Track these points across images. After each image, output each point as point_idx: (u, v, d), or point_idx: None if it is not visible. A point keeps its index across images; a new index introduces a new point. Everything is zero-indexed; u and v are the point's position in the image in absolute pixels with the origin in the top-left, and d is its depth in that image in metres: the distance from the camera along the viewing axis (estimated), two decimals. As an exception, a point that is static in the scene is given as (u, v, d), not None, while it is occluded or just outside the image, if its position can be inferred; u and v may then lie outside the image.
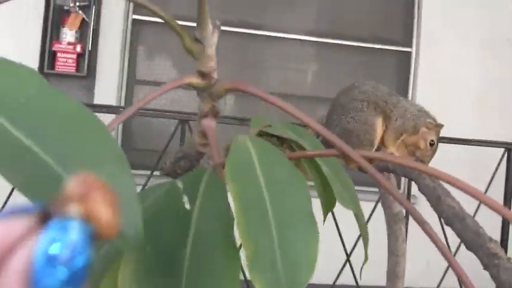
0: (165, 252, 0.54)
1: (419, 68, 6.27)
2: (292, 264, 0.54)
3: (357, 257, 3.48)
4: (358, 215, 0.83)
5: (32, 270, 0.26)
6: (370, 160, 1.89)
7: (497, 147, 3.65)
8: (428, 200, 1.28)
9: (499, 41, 6.49)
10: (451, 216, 1.12)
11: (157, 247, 0.54)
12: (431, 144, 1.87)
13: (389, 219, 1.99)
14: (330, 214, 0.92)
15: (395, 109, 1.88)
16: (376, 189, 2.20)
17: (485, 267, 0.96)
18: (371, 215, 3.10)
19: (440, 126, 1.89)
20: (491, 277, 0.89)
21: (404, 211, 2.00)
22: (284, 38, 6.17)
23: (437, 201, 1.23)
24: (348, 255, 3.43)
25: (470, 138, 3.97)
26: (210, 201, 0.57)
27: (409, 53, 6.33)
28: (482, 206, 0.60)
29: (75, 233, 0.27)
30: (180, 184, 0.58)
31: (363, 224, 0.85)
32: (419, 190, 1.41)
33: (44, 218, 0.28)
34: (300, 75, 6.43)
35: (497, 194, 3.56)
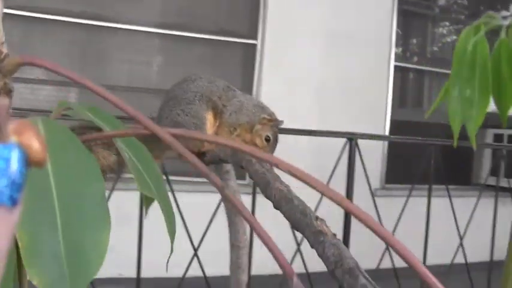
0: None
1: (265, 61, 6.34)
2: (78, 255, 0.49)
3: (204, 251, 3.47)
4: (164, 205, 0.79)
5: None
6: (203, 153, 1.86)
7: (340, 137, 3.74)
8: (258, 185, 1.26)
9: (342, 37, 6.67)
10: (279, 199, 1.11)
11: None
12: (267, 140, 1.86)
13: (229, 211, 1.97)
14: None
15: (229, 104, 1.86)
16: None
17: (312, 246, 0.94)
18: (218, 206, 3.09)
19: (276, 121, 1.88)
20: (318, 255, 0.88)
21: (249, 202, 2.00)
22: (129, 30, 6.04)
23: (267, 186, 1.20)
24: (196, 249, 3.41)
25: (314, 129, 4.05)
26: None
27: (255, 45, 6.38)
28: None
29: (14, 154, 0.35)
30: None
31: (169, 214, 0.82)
32: (250, 177, 1.39)
33: None
34: (145, 67, 6.33)
35: (340, 182, 3.66)
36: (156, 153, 1.89)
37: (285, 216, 1.08)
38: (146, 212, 0.89)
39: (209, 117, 1.85)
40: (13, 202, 0.34)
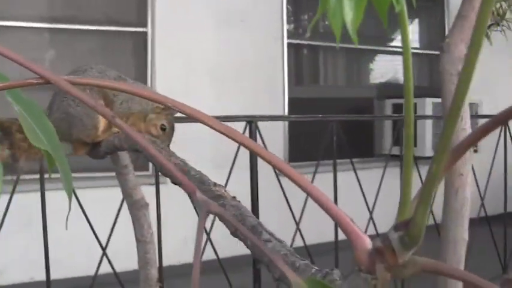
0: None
1: (157, 48, 6.23)
2: None
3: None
4: (58, 160, 0.79)
5: None
6: (97, 143, 1.76)
7: (239, 121, 3.71)
8: (155, 165, 1.30)
9: (234, 18, 6.61)
10: None
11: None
12: (163, 129, 1.81)
13: (131, 207, 1.93)
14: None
15: (120, 93, 1.79)
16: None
17: None
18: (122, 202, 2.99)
19: (170, 109, 1.81)
20: (218, 218, 0.85)
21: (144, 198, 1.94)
22: (16, 26, 5.77)
23: (162, 165, 1.16)
24: (104, 248, 3.31)
25: (212, 114, 3.99)
26: None
27: (145, 33, 6.22)
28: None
29: None
30: None
31: (65, 171, 0.80)
32: (147, 159, 1.44)
33: None
34: (36, 64, 6.08)
35: (245, 166, 3.61)
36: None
37: (183, 189, 1.01)
38: (50, 175, 0.83)
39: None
40: None
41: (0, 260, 5.15)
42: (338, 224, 0.47)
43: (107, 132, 1.79)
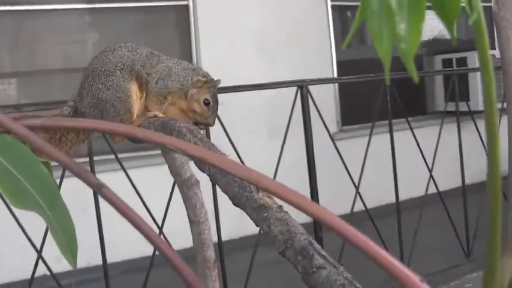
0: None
1: (200, 21, 6.12)
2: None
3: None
4: (60, 222, 0.58)
5: None
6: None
7: (290, 86, 3.66)
8: (192, 158, 1.12)
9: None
10: (215, 173, 1.00)
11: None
12: (206, 104, 1.73)
13: (181, 186, 1.81)
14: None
15: (154, 71, 1.72)
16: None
17: (257, 224, 0.81)
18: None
19: (212, 81, 1.73)
20: (264, 233, 0.75)
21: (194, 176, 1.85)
22: (56, 9, 5.76)
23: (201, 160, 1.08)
24: (160, 228, 3.29)
25: (262, 82, 3.94)
26: None
27: (187, 6, 6.14)
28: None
29: None
30: None
31: (68, 231, 0.59)
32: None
33: None
34: (79, 46, 6.08)
35: (296, 131, 3.55)
36: (81, 136, 1.74)
37: (222, 190, 0.95)
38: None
39: (134, 88, 1.68)
40: None
41: (56, 247, 5.14)
42: (386, 269, 0.39)
43: (142, 116, 1.70)
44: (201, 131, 1.44)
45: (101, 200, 2.85)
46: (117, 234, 3.66)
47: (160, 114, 1.69)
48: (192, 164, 1.82)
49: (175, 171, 1.81)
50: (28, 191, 0.56)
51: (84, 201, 3.30)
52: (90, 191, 2.83)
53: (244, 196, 0.89)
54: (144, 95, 1.71)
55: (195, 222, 1.84)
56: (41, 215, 0.55)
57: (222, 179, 0.98)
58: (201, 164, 1.01)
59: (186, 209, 1.81)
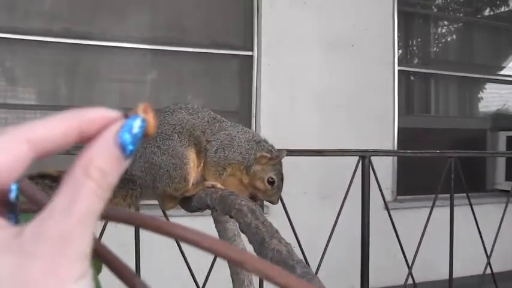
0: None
1: (262, 73, 6.01)
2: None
3: None
4: None
5: (118, 131, 0.45)
6: (189, 197, 1.55)
7: (352, 155, 3.59)
8: (251, 243, 1.07)
9: (343, 46, 6.38)
10: (276, 264, 0.84)
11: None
12: (271, 183, 1.59)
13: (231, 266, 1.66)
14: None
15: (214, 138, 1.58)
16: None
17: None
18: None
19: (277, 157, 1.58)
20: None
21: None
22: (118, 47, 5.71)
23: (261, 245, 1.00)
24: None
25: (322, 148, 3.85)
26: None
27: (251, 57, 6.05)
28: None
29: (139, 120, 0.46)
30: None
31: None
32: (241, 230, 1.20)
33: (125, 115, 0.47)
34: (137, 86, 6.04)
35: (352, 199, 3.41)
36: (128, 200, 1.59)
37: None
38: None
39: (191, 155, 1.55)
40: (130, 155, 0.45)
41: None
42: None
43: (198, 186, 1.56)
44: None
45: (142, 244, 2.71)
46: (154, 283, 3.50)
47: (219, 185, 1.54)
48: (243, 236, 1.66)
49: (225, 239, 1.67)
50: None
51: (127, 246, 3.19)
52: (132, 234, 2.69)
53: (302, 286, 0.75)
54: (202, 163, 1.58)
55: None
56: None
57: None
58: (262, 251, 0.87)
59: (233, 284, 1.64)
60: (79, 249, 0.42)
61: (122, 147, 0.45)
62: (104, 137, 0.46)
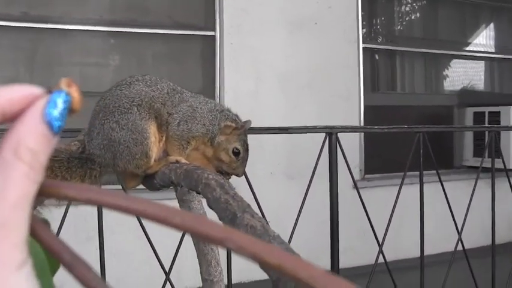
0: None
1: (225, 53, 5.93)
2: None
3: None
4: None
5: (44, 108, 0.43)
6: (152, 174, 1.47)
7: (318, 132, 3.57)
8: (221, 219, 0.99)
9: (306, 25, 6.32)
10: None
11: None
12: (236, 154, 1.52)
13: (197, 241, 1.63)
14: None
15: (176, 110, 1.49)
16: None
17: None
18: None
19: (242, 127, 1.50)
20: None
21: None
22: (78, 30, 5.59)
23: (233, 221, 0.93)
24: (168, 273, 3.08)
25: (286, 125, 3.80)
26: None
27: (213, 37, 5.97)
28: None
29: (64, 95, 0.44)
30: None
31: None
32: (209, 206, 1.12)
33: (49, 91, 0.45)
34: (99, 69, 5.92)
35: (320, 176, 3.36)
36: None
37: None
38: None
39: (152, 129, 1.45)
40: (58, 131, 0.44)
41: (58, 276, 4.97)
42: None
43: (161, 161, 1.47)
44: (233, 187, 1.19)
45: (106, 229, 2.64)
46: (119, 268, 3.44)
47: (183, 160, 1.45)
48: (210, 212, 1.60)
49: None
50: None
51: (90, 231, 3.09)
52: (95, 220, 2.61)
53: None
54: (164, 137, 1.49)
55: (208, 280, 1.63)
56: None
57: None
58: (233, 227, 0.80)
59: (200, 266, 1.59)
60: (17, 236, 0.40)
61: (50, 124, 0.44)
62: (30, 115, 0.44)
